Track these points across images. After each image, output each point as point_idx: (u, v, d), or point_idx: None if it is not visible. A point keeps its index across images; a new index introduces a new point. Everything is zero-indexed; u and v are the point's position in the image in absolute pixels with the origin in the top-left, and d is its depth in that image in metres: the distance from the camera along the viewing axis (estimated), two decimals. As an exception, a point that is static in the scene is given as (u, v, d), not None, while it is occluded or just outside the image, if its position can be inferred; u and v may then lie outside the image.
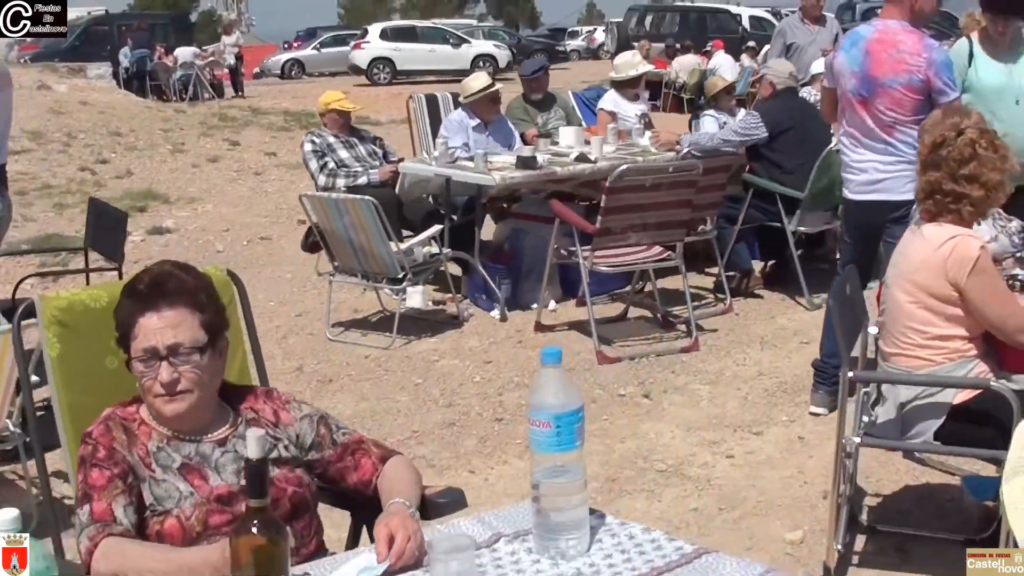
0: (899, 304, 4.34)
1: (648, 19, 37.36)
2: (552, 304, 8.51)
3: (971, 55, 6.40)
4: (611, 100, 10.52)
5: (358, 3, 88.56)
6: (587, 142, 9.20)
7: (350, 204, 7.39)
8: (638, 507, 5.26)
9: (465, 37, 39.35)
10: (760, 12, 36.49)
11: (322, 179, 8.96)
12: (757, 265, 9.33)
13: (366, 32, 38.19)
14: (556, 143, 9.42)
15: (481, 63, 35.54)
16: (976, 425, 4.19)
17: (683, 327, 7.85)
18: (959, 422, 4.26)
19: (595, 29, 58.69)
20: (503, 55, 38.31)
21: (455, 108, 10.06)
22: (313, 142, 9.09)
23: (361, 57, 36.57)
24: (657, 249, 7.70)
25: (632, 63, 10.50)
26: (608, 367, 7.23)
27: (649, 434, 6.15)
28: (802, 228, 8.50)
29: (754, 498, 5.33)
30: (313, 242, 7.99)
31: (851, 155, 6.05)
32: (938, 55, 5.82)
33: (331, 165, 8.96)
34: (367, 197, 7.41)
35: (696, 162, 7.61)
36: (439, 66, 36.19)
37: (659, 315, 8.20)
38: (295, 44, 48.93)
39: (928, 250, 4.27)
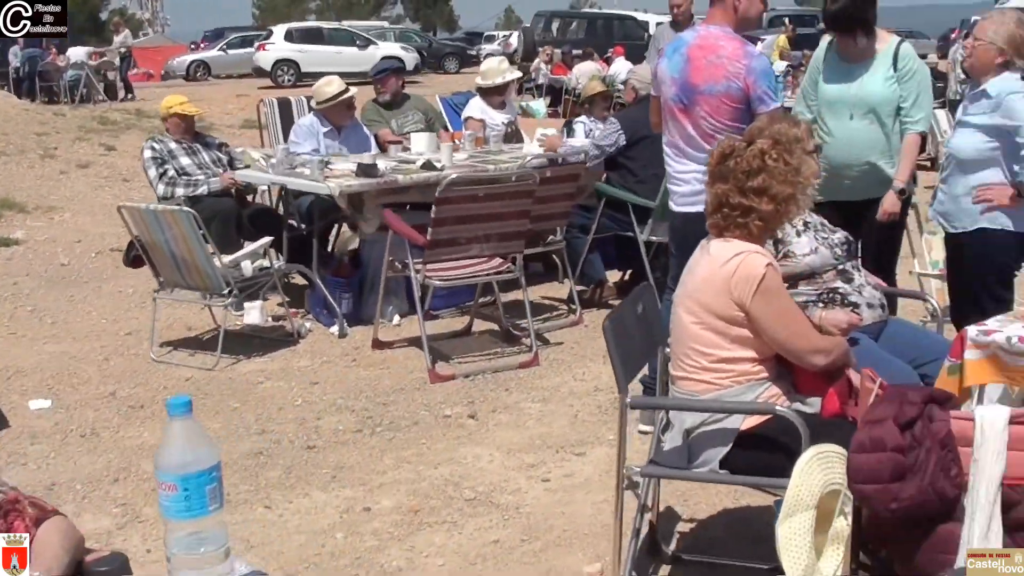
0: (683, 325, 4.08)
1: (555, 25, 37.24)
2: (396, 319, 8.21)
3: (824, 61, 6.23)
4: (477, 107, 10.23)
5: (272, 4, 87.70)
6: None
7: (170, 216, 7.02)
8: (436, 540, 4.96)
9: (372, 39, 38.91)
10: (667, 19, 36.43)
11: (161, 188, 8.61)
12: (617, 275, 9.09)
13: (271, 33, 37.63)
14: (407, 149, 9.11)
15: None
16: (765, 452, 3.94)
17: (528, 341, 7.55)
18: (747, 449, 4.00)
19: (511, 34, 58.51)
20: (411, 58, 37.92)
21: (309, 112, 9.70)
22: (153, 148, 8.73)
23: (265, 59, 36.04)
24: (497, 261, 7.41)
25: (498, 70, 10.22)
26: (439, 386, 6.93)
27: (466, 458, 5.85)
28: (654, 238, 8.25)
29: (560, 527, 5.05)
30: (135, 256, 7.57)
31: (674, 166, 5.80)
32: (758, 63, 5.59)
33: (171, 173, 8.60)
34: (186, 208, 7.06)
35: (533, 172, 7.35)
36: (345, 68, 35.49)
37: (505, 328, 7.90)
38: (202, 45, 48.12)
39: (713, 268, 4.01)
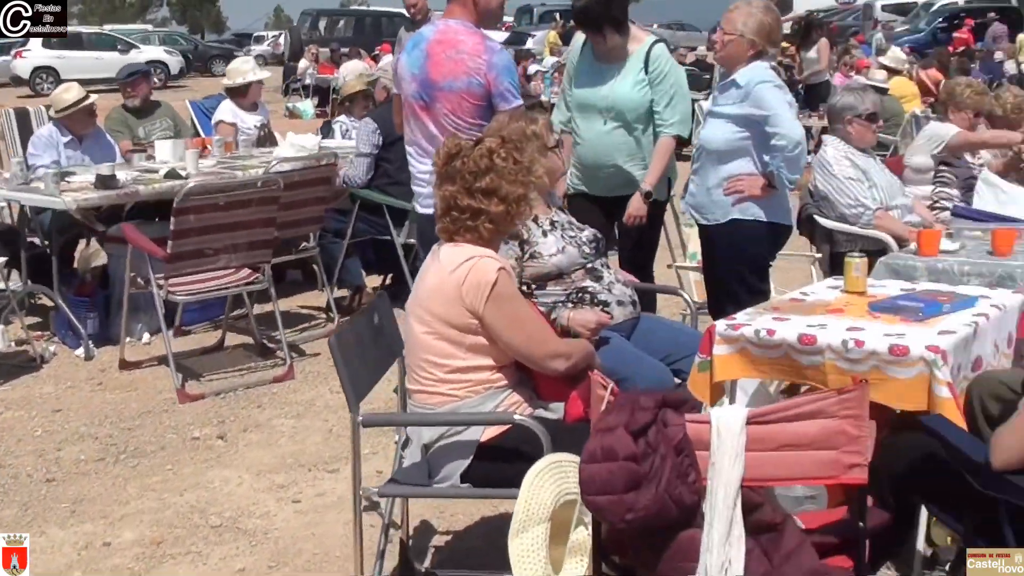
0: (415, 336, 3.88)
1: (322, 23, 36.76)
2: (146, 336, 7.79)
3: (580, 60, 6.15)
4: (228, 110, 9.81)
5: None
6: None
7: None
8: (179, 573, 4.65)
9: (134, 43, 37.69)
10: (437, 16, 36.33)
11: None
12: (378, 280, 8.86)
13: (27, 40, 36.10)
14: (152, 157, 8.67)
15: (153, 70, 34.01)
16: (507, 462, 3.75)
17: (282, 354, 7.24)
18: (489, 461, 3.83)
19: (280, 34, 57.57)
20: (175, 61, 36.92)
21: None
22: None
23: (23, 67, 34.62)
24: (245, 272, 7.08)
25: (241, 70, 9.84)
26: (189, 406, 6.57)
27: (214, 482, 5.53)
28: (412, 240, 8.03)
29: (310, 551, 4.80)
30: None
31: (417, 166, 5.61)
32: (499, 58, 5.43)
33: None
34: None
35: (277, 177, 7.04)
36: (107, 74, 34.34)
37: (259, 342, 7.58)
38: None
39: (443, 275, 3.82)
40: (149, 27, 56.89)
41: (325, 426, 6.22)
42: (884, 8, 35.04)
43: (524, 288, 4.74)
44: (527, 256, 4.78)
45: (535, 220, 4.82)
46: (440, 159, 3.92)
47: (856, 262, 4.69)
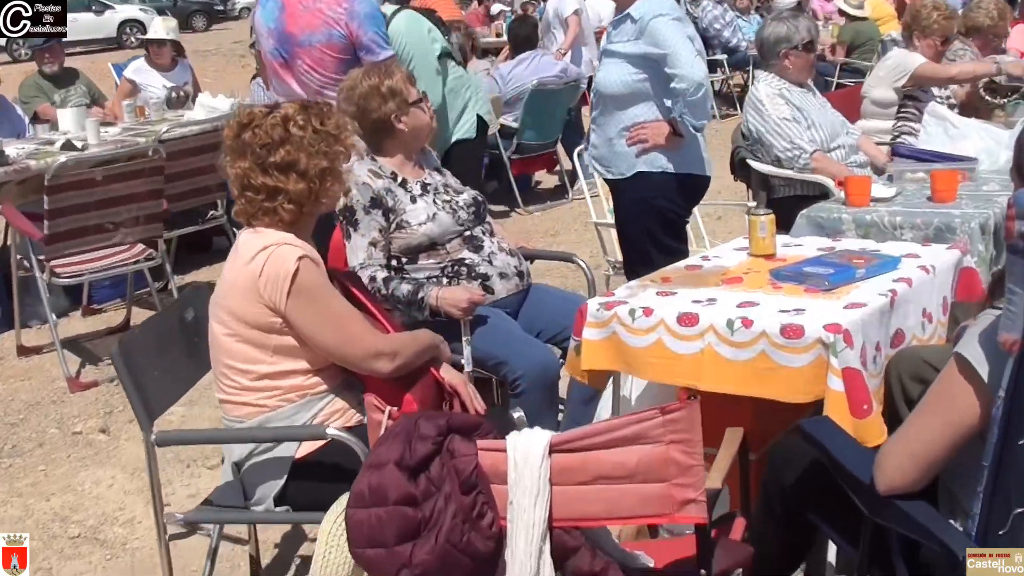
0: (216, 338, 3.30)
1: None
2: (53, 318, 7.20)
3: None
4: (135, 68, 9.22)
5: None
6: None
7: None
8: (19, 598, 4.10)
9: (109, 3, 36.83)
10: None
11: None
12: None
13: (0, 5, 35.30)
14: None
15: (128, 29, 33.33)
16: (327, 481, 3.17)
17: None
18: (306, 479, 3.28)
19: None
20: (150, 19, 35.98)
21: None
22: None
23: (-15, 31, 33.65)
24: (139, 248, 6.52)
25: (155, 29, 9.23)
26: (79, 395, 6.06)
27: (84, 484, 5.02)
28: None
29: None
30: None
31: None
32: (361, 5, 4.81)
33: None
34: None
35: (158, 146, 6.45)
36: (81, 36, 33.52)
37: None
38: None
39: (239, 266, 3.24)
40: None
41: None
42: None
43: (394, 262, 4.18)
44: (394, 226, 4.22)
45: (403, 184, 4.25)
46: (230, 131, 3.32)
47: (760, 220, 4.11)
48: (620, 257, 5.68)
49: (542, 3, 11.51)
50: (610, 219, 5.82)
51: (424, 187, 4.33)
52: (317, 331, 3.19)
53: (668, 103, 4.92)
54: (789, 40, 5.76)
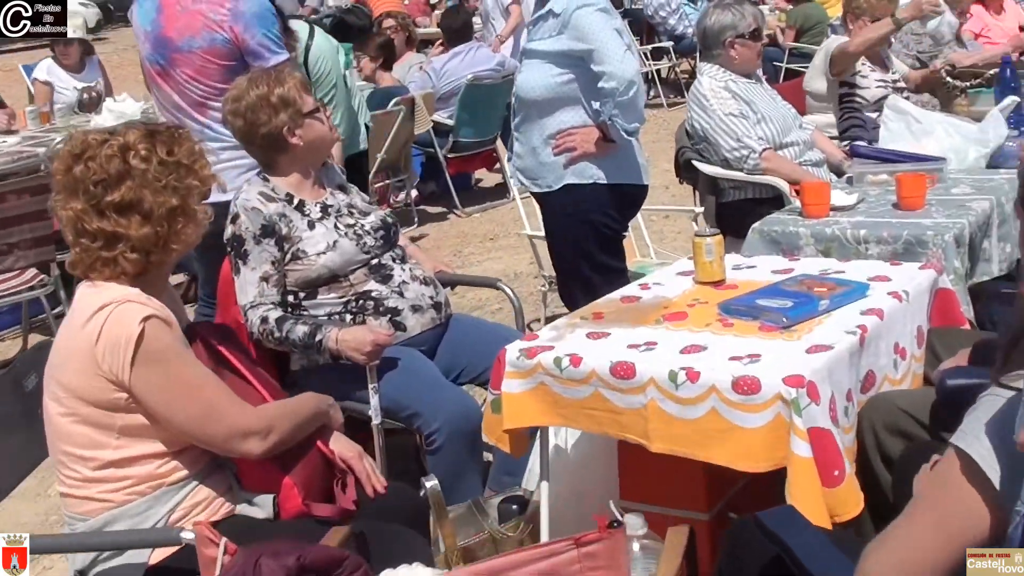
0: (51, 418, 2.71)
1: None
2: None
3: None
4: (45, 68, 8.56)
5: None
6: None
7: None
8: None
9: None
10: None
11: None
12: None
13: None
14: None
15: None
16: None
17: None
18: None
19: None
20: (91, 13, 35.01)
21: None
22: None
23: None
24: (31, 273, 5.92)
25: (72, 22, 8.54)
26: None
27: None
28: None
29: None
30: None
31: None
32: (247, 4, 4.19)
33: None
34: None
35: (48, 162, 5.84)
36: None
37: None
38: None
39: (73, 330, 2.65)
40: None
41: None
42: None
43: (291, 298, 3.62)
44: (289, 256, 3.66)
45: (300, 207, 3.70)
46: (61, 163, 2.73)
47: (706, 242, 3.56)
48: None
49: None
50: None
51: (324, 209, 3.78)
52: (170, 407, 2.62)
53: (597, 105, 4.37)
54: (735, 28, 5.27)
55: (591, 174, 4.44)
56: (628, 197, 4.57)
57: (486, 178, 10.28)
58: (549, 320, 5.67)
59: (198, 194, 2.76)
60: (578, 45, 4.28)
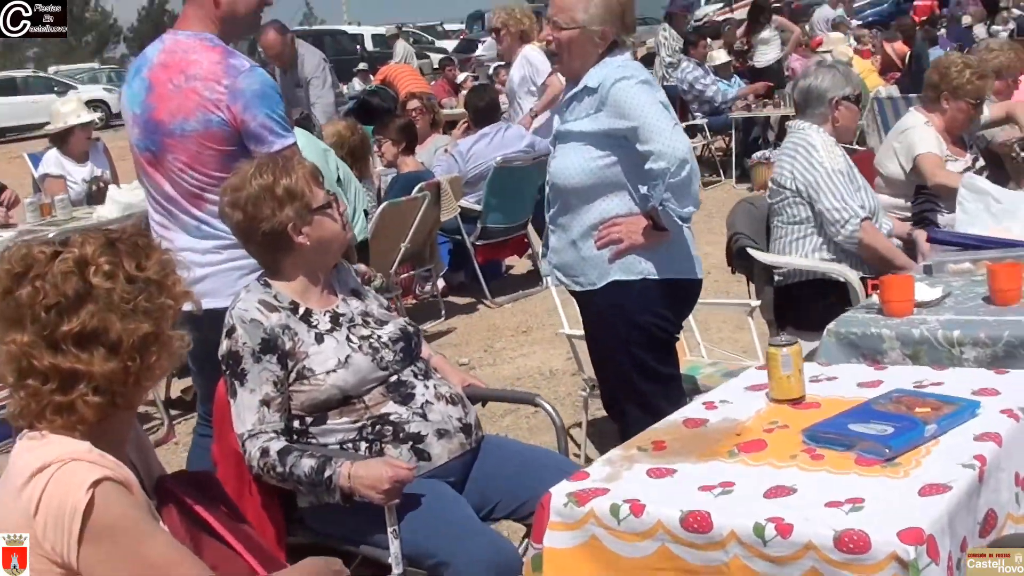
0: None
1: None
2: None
3: None
4: (54, 161, 8.13)
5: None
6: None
7: None
8: None
9: (72, 84, 35.94)
10: (380, 29, 34.58)
11: None
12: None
13: (-42, 89, 34.40)
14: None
15: (93, 110, 32.39)
16: None
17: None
18: None
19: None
20: (116, 99, 35.17)
21: None
22: None
23: (-52, 115, 32.84)
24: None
25: (61, 113, 8.16)
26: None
27: None
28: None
29: None
30: None
31: (163, 234, 3.86)
32: (247, 81, 3.69)
33: None
34: None
35: None
36: (44, 119, 32.58)
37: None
38: None
39: (8, 496, 2.12)
40: (96, 64, 54.50)
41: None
42: (844, -18, 33.24)
43: (296, 423, 3.11)
44: (294, 376, 3.15)
45: (306, 317, 3.19)
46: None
47: (782, 353, 3.02)
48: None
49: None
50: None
51: (335, 319, 3.27)
52: None
53: (644, 190, 3.86)
54: (841, 89, 4.92)
55: (640, 269, 3.92)
56: (682, 293, 4.05)
57: (517, 265, 9.78)
58: (591, 426, 5.16)
59: (172, 316, 2.24)
60: (620, 123, 3.78)
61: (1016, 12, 20.97)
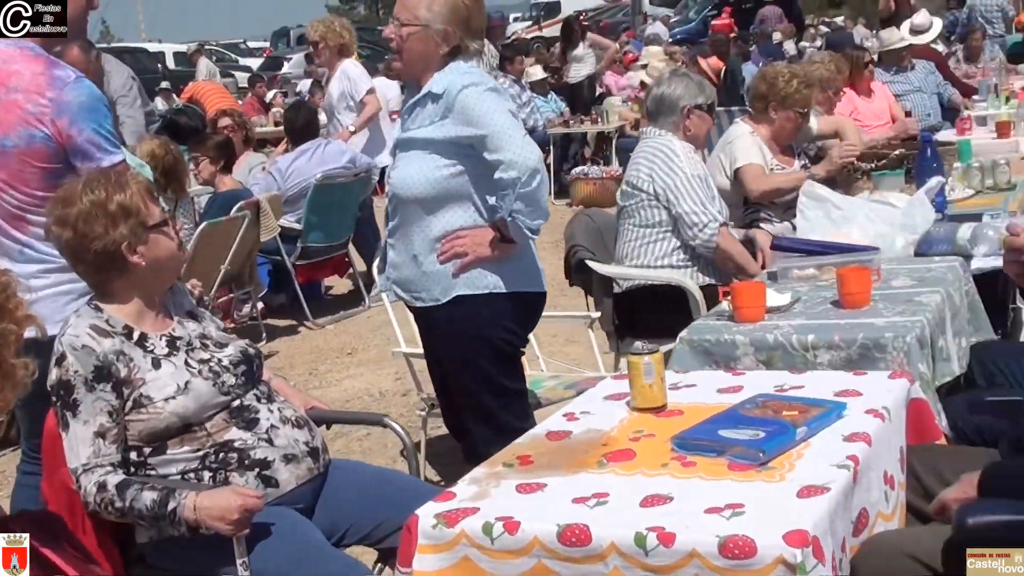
0: None
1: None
2: None
3: None
4: None
5: None
6: None
7: None
8: None
9: None
10: (183, 48, 33.77)
11: None
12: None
13: None
14: None
15: None
16: None
17: None
18: None
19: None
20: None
21: None
22: None
23: None
24: None
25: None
26: None
27: None
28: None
29: None
30: None
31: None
32: (73, 93, 3.46)
33: None
34: None
35: None
36: None
37: None
38: None
39: None
40: None
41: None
42: (652, 2, 34.05)
43: (134, 455, 2.92)
44: (130, 404, 2.96)
45: (142, 342, 3.00)
46: None
47: (645, 361, 2.96)
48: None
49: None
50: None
51: (172, 343, 3.09)
52: None
53: (492, 200, 3.76)
54: (693, 98, 4.94)
55: (486, 283, 3.80)
56: (529, 306, 3.96)
57: (337, 285, 9.59)
58: (428, 446, 5.03)
59: (15, 343, 2.04)
60: (467, 131, 3.67)
61: (824, 29, 21.73)
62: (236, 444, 3.03)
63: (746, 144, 5.59)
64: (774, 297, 3.78)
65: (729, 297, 3.77)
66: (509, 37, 22.28)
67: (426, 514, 2.49)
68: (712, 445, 2.64)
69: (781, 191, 5.45)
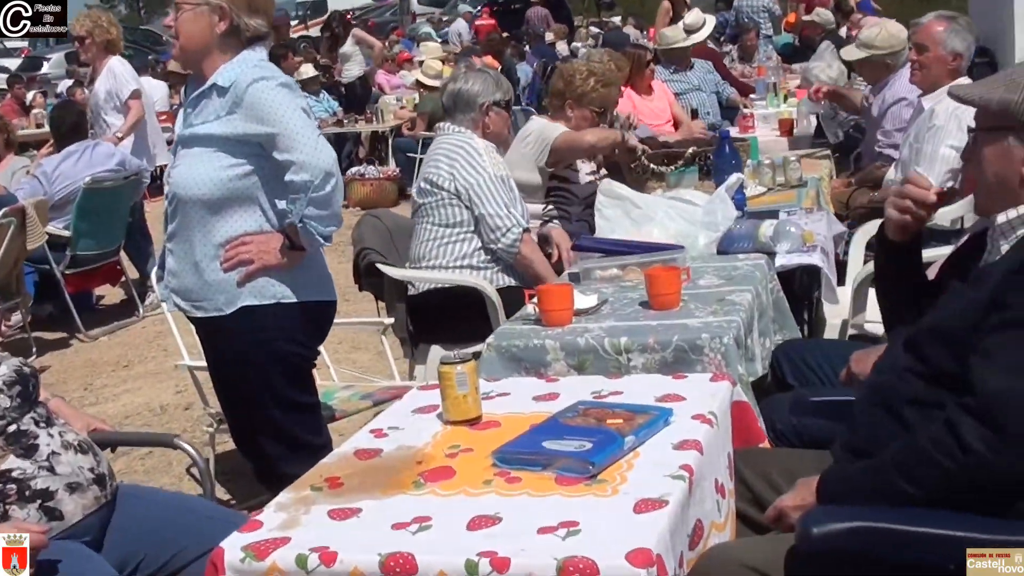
0: None
1: None
2: None
3: None
4: None
5: None
6: None
7: None
8: None
9: None
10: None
11: None
12: None
13: None
14: None
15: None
16: None
17: None
18: None
19: None
20: None
21: None
22: None
23: None
24: None
25: None
26: None
27: None
28: None
29: None
30: None
31: None
32: None
33: None
34: None
35: None
36: None
37: None
38: None
39: None
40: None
41: None
42: (420, 1, 34.02)
43: None
44: None
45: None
46: None
47: (458, 370, 2.77)
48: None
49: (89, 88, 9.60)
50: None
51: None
52: None
53: (282, 204, 3.51)
54: (491, 94, 4.76)
55: (274, 292, 3.54)
56: (320, 316, 3.72)
57: (109, 295, 9.11)
58: (218, 463, 4.74)
59: None
60: (257, 128, 3.41)
61: (595, 30, 22.01)
62: (15, 474, 2.72)
63: (549, 124, 5.53)
64: (581, 299, 3.65)
65: (535, 300, 3.61)
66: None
67: (232, 546, 2.24)
68: (537, 459, 2.47)
69: (596, 148, 5.42)
